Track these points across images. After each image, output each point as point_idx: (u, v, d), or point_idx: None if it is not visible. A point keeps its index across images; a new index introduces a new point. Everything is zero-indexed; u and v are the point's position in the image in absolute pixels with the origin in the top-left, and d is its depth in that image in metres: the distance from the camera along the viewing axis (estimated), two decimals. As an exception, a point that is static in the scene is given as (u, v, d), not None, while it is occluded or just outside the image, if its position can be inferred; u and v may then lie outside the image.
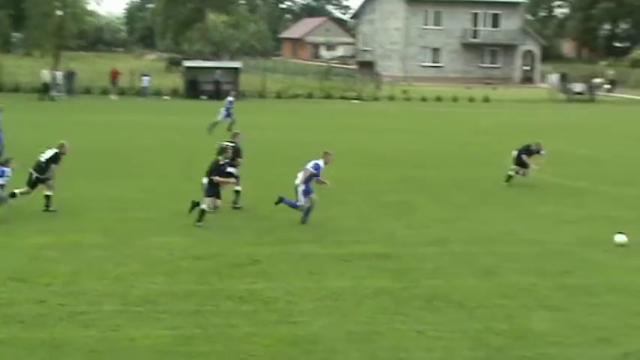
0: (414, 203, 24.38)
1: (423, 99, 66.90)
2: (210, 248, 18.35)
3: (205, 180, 20.71)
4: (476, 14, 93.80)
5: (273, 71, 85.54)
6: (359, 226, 21.13)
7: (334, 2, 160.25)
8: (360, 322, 13.91)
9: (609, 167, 33.14)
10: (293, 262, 17.53)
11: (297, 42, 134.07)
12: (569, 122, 53.28)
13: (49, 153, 21.77)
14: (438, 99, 67.16)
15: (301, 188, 21.04)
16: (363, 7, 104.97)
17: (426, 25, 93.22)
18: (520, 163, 27.61)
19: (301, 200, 21.05)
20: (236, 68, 64.70)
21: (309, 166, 21.13)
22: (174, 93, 63.24)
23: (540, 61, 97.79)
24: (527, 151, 27.77)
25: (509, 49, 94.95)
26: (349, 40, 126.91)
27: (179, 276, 16.27)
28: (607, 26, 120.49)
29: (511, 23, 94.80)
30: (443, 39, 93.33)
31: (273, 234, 19.99)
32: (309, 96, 66.33)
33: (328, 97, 66.26)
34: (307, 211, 21.11)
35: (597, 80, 77.83)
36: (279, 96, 65.69)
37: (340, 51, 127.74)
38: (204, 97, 60.40)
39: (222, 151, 21.13)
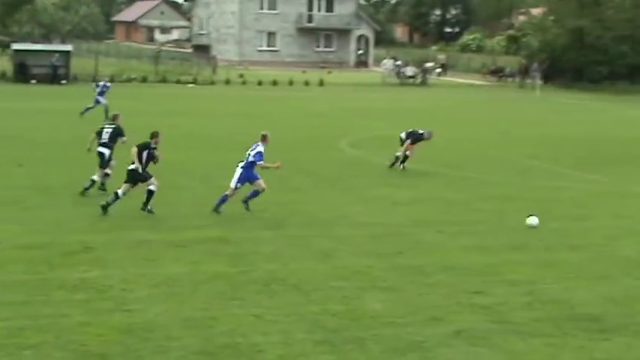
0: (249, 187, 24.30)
1: (260, 83, 66.91)
2: (41, 237, 17.82)
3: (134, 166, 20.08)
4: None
5: (106, 55, 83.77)
6: (195, 211, 20.94)
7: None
8: (196, 308, 13.78)
9: (441, 150, 33.95)
10: (128, 249, 17.23)
11: (130, 25, 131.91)
12: (403, 105, 54.36)
13: None
14: (274, 83, 67.31)
15: (240, 173, 20.72)
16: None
17: (262, 9, 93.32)
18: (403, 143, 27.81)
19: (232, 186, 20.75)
20: (67, 51, 63.11)
21: (254, 157, 20.70)
22: (2, 77, 61.08)
23: (374, 45, 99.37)
24: (414, 137, 27.92)
25: (343, 33, 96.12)
26: (185, 23, 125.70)
27: (8, 266, 15.73)
28: (438, 12, 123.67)
29: (345, 8, 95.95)
30: (278, 23, 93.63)
31: (107, 221, 19.58)
32: (144, 80, 65.32)
33: (163, 80, 65.42)
34: (223, 200, 20.78)
35: (429, 64, 79.76)
36: (112, 80, 64.22)
37: (175, 34, 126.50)
38: (34, 82, 58.60)
39: (153, 135, 20.60)
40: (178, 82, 65.63)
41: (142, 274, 15.49)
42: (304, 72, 76.46)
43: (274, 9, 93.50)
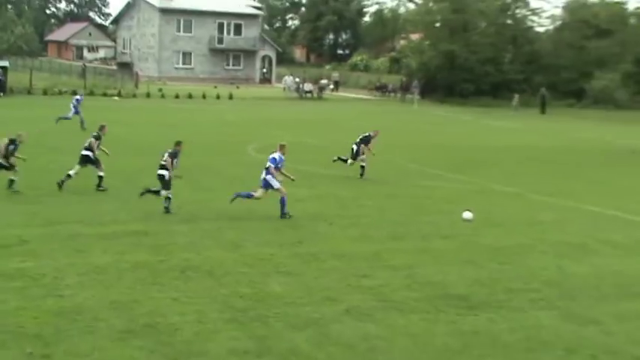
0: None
1: (177, 96, 66.17)
2: (-20, 231, 17.33)
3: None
4: (222, 23, 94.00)
5: (39, 70, 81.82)
6: (120, 208, 20.63)
7: (95, 9, 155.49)
8: (121, 293, 13.59)
9: (332, 153, 34.11)
10: (61, 242, 16.87)
11: (62, 44, 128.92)
12: (302, 117, 54.48)
13: None
14: (190, 96, 66.67)
15: (261, 177, 20.68)
16: (121, 14, 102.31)
17: (178, 32, 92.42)
18: (357, 154, 27.56)
19: (258, 192, 20.68)
20: (4, 66, 61.64)
21: (268, 161, 20.65)
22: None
23: (276, 64, 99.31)
24: (366, 140, 27.81)
25: (250, 53, 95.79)
26: (110, 43, 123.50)
27: (-49, 257, 15.25)
28: (331, 36, 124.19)
29: (251, 32, 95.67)
30: (193, 44, 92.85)
31: (42, 216, 19.15)
32: (74, 92, 63.79)
33: (91, 93, 64.07)
34: (247, 196, 20.70)
35: (324, 81, 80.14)
36: (45, 92, 62.94)
37: (102, 53, 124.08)
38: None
39: (177, 143, 21.02)
40: (104, 94, 64.42)
41: (73, 264, 15.19)
42: (215, 87, 75.90)
43: (189, 32, 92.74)
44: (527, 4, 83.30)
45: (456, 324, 12.76)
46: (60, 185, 22.37)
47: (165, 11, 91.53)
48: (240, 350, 11.26)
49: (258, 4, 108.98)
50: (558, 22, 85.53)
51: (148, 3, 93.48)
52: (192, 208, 21.02)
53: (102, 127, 23.94)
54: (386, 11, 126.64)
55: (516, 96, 69.60)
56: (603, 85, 73.90)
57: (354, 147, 27.88)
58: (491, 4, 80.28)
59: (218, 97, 67.62)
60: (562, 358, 11.49)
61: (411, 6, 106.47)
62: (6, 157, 21.78)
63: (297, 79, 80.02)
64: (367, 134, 28.21)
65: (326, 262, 16.16)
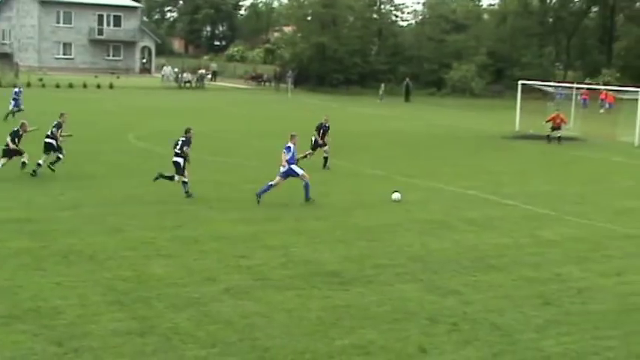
0: (50, 175, 23.27)
1: (57, 86, 64.09)
2: None
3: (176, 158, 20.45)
4: (101, 15, 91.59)
5: None
6: (1, 195, 19.82)
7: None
8: (3, 279, 13.07)
9: (213, 140, 33.84)
10: (-60, 230, 16.07)
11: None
12: (182, 105, 53.73)
13: None
14: (70, 86, 64.68)
15: (281, 170, 20.55)
16: (0, 5, 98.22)
17: (58, 23, 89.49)
18: (316, 145, 27.14)
19: (278, 179, 20.60)
20: None
21: (284, 150, 20.58)
22: None
23: (155, 55, 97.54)
24: (324, 127, 27.47)
25: (129, 44, 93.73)
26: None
27: None
28: (208, 28, 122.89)
29: (131, 23, 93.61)
30: (73, 35, 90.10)
31: None
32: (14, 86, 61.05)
33: (-29, 83, 61.39)
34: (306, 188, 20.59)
35: (202, 71, 79.18)
36: None
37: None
38: None
39: (187, 130, 21.44)
40: (-17, 85, 61.75)
41: (-46, 251, 14.52)
42: (96, 77, 73.92)
43: (69, 23, 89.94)
44: (391, 0, 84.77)
45: (329, 299, 12.88)
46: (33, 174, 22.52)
47: (44, 3, 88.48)
48: (123, 331, 11.03)
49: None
50: (420, 17, 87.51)
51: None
52: (75, 195, 20.43)
53: (62, 115, 24.09)
54: (260, 5, 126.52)
55: (382, 85, 70.76)
56: (460, 75, 76.16)
57: (313, 138, 27.52)
58: (358, 0, 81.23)
59: (99, 86, 65.88)
60: (426, 327, 11.76)
61: (284, 0, 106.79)
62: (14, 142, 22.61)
63: (176, 70, 78.79)
64: (321, 123, 27.91)
65: (206, 244, 16.01)
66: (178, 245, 15.78)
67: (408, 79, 72.18)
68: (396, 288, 13.60)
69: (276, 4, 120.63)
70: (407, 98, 69.96)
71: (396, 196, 21.04)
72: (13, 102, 37.96)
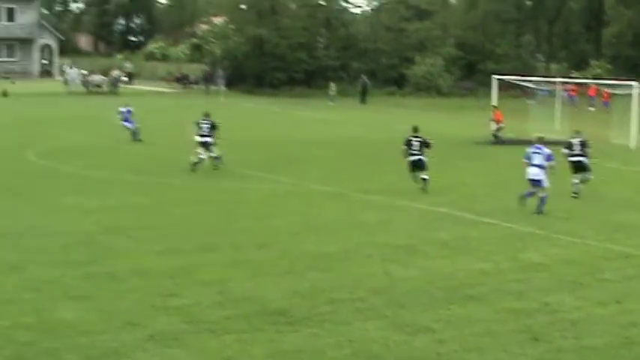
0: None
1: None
2: None
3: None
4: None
5: None
6: None
7: None
8: None
9: (128, 156, 33.62)
10: None
11: None
12: (91, 113, 53.29)
13: None
14: (-46, 94, 63.81)
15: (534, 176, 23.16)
16: None
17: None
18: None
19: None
20: None
21: (548, 155, 23.09)
22: None
23: (58, 54, 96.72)
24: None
25: (26, 43, 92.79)
26: None
27: None
28: (122, 21, 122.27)
29: (27, 17, 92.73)
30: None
31: None
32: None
33: None
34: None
35: (116, 72, 78.56)
36: None
37: None
38: None
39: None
40: None
41: None
42: (-13, 82, 72.99)
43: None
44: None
45: (276, 342, 12.83)
46: None
47: None
48: (26, 391, 10.85)
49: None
50: (375, 3, 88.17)
51: None
52: (-38, 227, 20.08)
53: None
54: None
55: (332, 85, 71.11)
56: (425, 71, 76.76)
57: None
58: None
59: (-10, 94, 65.01)
60: (393, 372, 11.79)
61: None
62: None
63: (84, 72, 78.12)
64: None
65: (125, 281, 15.85)
66: (91, 284, 15.60)
67: (364, 77, 72.65)
68: (357, 327, 13.61)
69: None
70: (363, 99, 70.42)
71: None
72: (127, 122, 38.18)
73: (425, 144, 26.58)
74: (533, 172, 23.23)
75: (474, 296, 15.39)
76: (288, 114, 56.66)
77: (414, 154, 26.47)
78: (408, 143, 26.78)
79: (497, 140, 41.51)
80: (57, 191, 25.41)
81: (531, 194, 23.41)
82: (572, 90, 62.73)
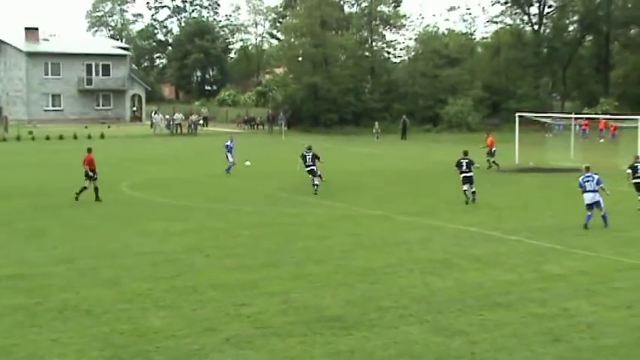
0: (43, 228, 23.30)
1: (47, 138, 64.37)
2: None
3: None
4: (90, 65, 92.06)
5: None
6: (-7, 253, 19.80)
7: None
8: (-2, 338, 13.00)
9: (205, 186, 33.91)
10: None
11: None
12: (176, 152, 53.89)
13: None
14: (61, 137, 64.98)
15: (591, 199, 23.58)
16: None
17: (47, 75, 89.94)
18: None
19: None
20: None
21: (598, 180, 23.73)
22: None
23: (146, 102, 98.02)
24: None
25: (119, 93, 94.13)
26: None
27: None
28: (199, 73, 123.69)
29: (120, 72, 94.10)
30: (62, 86, 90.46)
31: None
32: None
33: (-41, 139, 61.65)
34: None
35: (195, 117, 79.34)
36: None
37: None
38: None
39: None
40: (-26, 140, 61.99)
41: (-54, 312, 14.43)
42: (86, 127, 74.20)
43: (58, 74, 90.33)
44: (383, 37, 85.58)
45: (333, 345, 12.80)
46: None
47: (32, 55, 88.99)
48: (123, 387, 10.93)
49: (126, 45, 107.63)
50: (412, 53, 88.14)
51: (14, 47, 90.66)
52: (69, 248, 20.38)
53: None
54: (250, 47, 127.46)
55: (376, 123, 71.07)
56: (456, 110, 76.54)
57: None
58: (349, 38, 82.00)
59: (89, 137, 66.01)
60: (433, 369, 11.68)
61: (274, 42, 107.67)
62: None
63: (167, 117, 78.93)
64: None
65: (204, 293, 15.95)
66: (175, 296, 15.72)
67: (405, 117, 72.48)
68: (401, 330, 13.53)
69: (266, 45, 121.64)
70: (403, 136, 70.24)
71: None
72: (230, 154, 39.28)
73: (471, 163, 29.33)
74: (590, 197, 23.65)
75: (502, 303, 15.23)
76: (340, 149, 56.67)
77: (465, 172, 29.09)
78: (459, 164, 29.45)
79: (495, 165, 40.52)
80: (146, 217, 25.69)
81: (591, 217, 23.40)
82: (585, 124, 61.97)
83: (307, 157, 32.05)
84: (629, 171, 27.78)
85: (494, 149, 41.09)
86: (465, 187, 29.18)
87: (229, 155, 39.28)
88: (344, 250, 20.29)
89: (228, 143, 39.90)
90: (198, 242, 21.32)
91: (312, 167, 31.52)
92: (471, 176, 29.06)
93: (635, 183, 27.45)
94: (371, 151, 54.81)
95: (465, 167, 29.42)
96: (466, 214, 26.49)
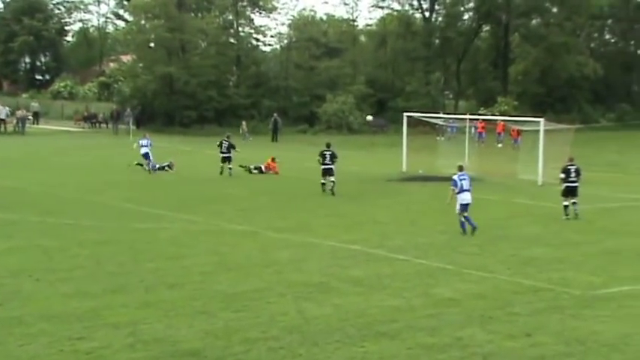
0: None
1: None
2: None
3: None
4: None
5: None
6: None
7: None
8: None
9: (37, 197, 33.12)
10: None
11: None
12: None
13: None
14: None
15: None
16: None
17: None
18: None
19: None
20: None
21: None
22: None
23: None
24: None
25: None
26: None
27: None
28: (27, 59, 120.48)
29: None
30: None
31: None
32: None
33: None
34: None
35: (21, 112, 77.13)
36: None
37: None
38: None
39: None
40: None
41: None
42: None
43: None
44: (251, 22, 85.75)
45: (189, 384, 12.74)
46: None
47: None
48: None
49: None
50: (285, 41, 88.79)
51: None
52: None
53: None
54: (92, 30, 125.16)
55: (244, 123, 71.17)
56: (336, 108, 77.37)
57: None
58: (211, 22, 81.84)
59: None
60: (307, 411, 11.79)
61: (121, 24, 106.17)
62: None
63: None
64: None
65: (33, 325, 15.55)
66: (-2, 329, 15.30)
67: (276, 115, 72.84)
68: (270, 366, 13.59)
69: (110, 28, 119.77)
70: (274, 137, 70.58)
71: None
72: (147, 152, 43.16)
73: (334, 156, 35.08)
74: (467, 197, 25.51)
75: (386, 333, 15.51)
76: (200, 153, 56.49)
77: (327, 164, 34.95)
78: (323, 155, 35.15)
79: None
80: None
81: (468, 220, 25.30)
82: (481, 127, 63.87)
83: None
84: (562, 175, 29.83)
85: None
86: (324, 180, 34.92)
87: (146, 154, 43.26)
88: (204, 273, 20.20)
89: (143, 141, 44.02)
90: (25, 263, 20.78)
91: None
92: (331, 168, 34.89)
93: (567, 187, 29.55)
94: (237, 155, 54.73)
95: (328, 159, 35.05)
96: (346, 229, 26.85)
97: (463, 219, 25.51)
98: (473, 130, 58.61)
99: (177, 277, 19.65)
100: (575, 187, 29.60)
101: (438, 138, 61.55)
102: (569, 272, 20.98)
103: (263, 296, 18.06)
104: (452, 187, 25.92)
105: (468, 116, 52.68)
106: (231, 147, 41.75)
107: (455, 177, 25.86)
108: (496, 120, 62.54)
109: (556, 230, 27.32)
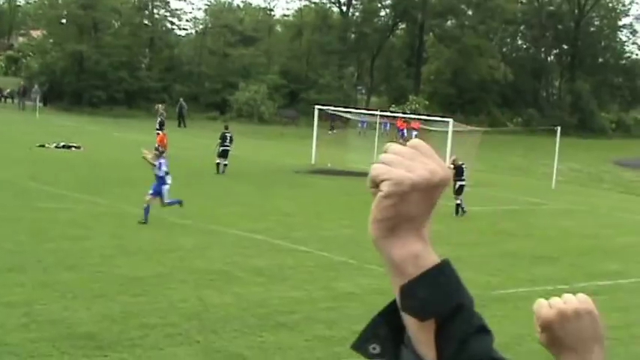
0: None
1: None
2: None
3: None
4: None
5: None
6: None
7: None
8: None
9: None
10: None
11: None
12: None
13: None
14: None
15: None
16: None
17: None
18: None
19: None
20: None
21: None
22: None
23: None
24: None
25: None
26: None
27: None
28: None
29: None
30: None
31: None
32: None
33: None
34: None
35: None
36: None
37: None
38: None
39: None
40: None
41: None
42: None
43: None
44: (166, 4, 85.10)
45: (83, 367, 12.64)
46: None
47: None
48: None
49: None
50: (200, 26, 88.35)
51: None
52: None
53: None
54: (1, 2, 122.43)
55: (159, 106, 70.52)
56: (248, 97, 77.24)
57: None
58: (125, 2, 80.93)
59: None
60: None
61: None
62: None
63: None
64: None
65: None
66: None
67: (182, 100, 72.34)
68: (167, 352, 13.56)
69: (21, 1, 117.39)
70: (181, 122, 70.10)
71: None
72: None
73: (231, 139, 38.56)
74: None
75: (285, 323, 15.62)
76: (108, 134, 55.85)
77: (226, 146, 38.34)
78: (223, 137, 38.50)
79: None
80: None
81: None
82: (401, 124, 64.32)
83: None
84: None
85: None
86: (219, 160, 38.04)
87: None
88: (104, 255, 20.02)
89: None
90: None
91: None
92: (228, 150, 38.31)
93: (459, 185, 30.35)
94: (145, 139, 54.27)
95: (228, 141, 38.28)
96: (251, 218, 26.89)
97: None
98: (385, 126, 59.16)
99: (77, 259, 19.44)
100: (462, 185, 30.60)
101: (349, 132, 61.92)
102: (468, 272, 21.35)
103: (163, 282, 18.00)
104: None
105: (378, 112, 53.12)
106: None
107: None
108: (411, 118, 63.10)
109: (456, 230, 27.80)
